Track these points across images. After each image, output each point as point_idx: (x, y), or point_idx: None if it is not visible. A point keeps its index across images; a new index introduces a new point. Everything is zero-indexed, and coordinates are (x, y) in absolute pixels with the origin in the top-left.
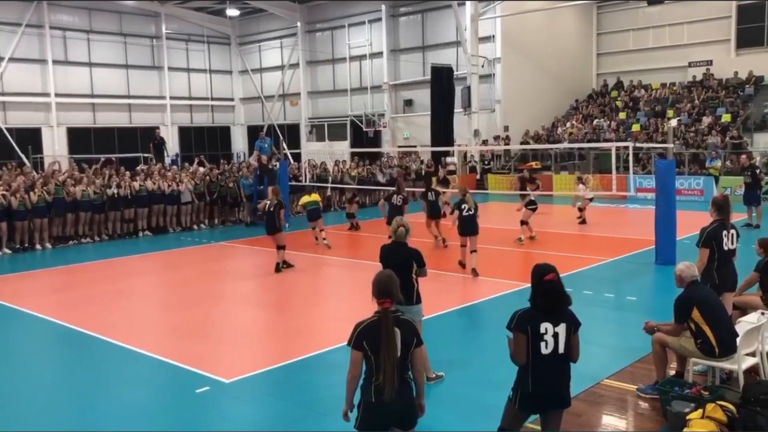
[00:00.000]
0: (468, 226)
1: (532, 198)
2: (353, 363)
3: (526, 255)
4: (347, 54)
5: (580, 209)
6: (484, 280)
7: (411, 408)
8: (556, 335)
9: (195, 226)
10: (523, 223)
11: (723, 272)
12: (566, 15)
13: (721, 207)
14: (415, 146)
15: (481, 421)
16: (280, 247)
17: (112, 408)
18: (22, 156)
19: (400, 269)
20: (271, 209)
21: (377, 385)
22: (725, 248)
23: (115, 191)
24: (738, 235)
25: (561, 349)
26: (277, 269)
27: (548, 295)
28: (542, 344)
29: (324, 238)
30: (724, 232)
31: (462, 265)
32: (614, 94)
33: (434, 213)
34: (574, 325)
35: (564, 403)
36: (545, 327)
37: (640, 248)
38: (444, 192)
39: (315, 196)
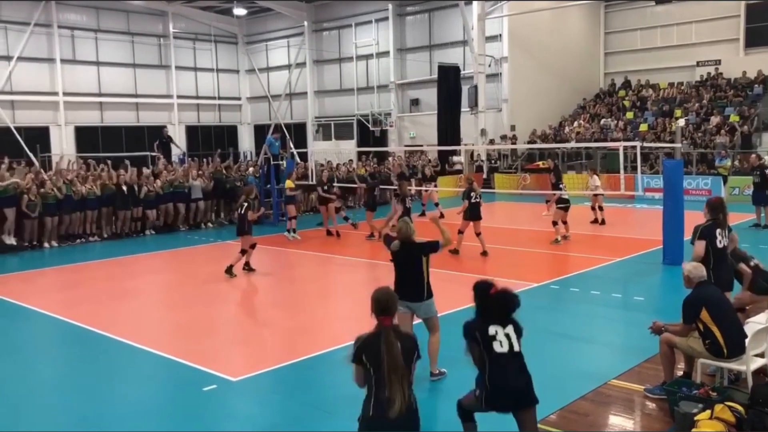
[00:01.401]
0: (476, 212)
1: (565, 197)
2: (356, 378)
3: (532, 255)
4: (354, 53)
5: (600, 208)
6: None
7: (414, 426)
8: (507, 335)
9: (202, 225)
10: (555, 223)
11: (718, 271)
12: (573, 14)
13: (715, 207)
14: (421, 146)
15: (483, 420)
16: (244, 251)
17: (119, 406)
18: (31, 155)
19: (411, 266)
20: (241, 212)
21: (378, 401)
22: (719, 246)
23: (143, 189)
24: (730, 234)
25: (516, 348)
26: (229, 271)
27: (499, 305)
28: (496, 344)
29: (291, 230)
30: (718, 230)
31: (455, 251)
32: (622, 93)
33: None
34: (517, 330)
35: (530, 401)
36: (494, 330)
37: (648, 248)
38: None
39: (289, 183)
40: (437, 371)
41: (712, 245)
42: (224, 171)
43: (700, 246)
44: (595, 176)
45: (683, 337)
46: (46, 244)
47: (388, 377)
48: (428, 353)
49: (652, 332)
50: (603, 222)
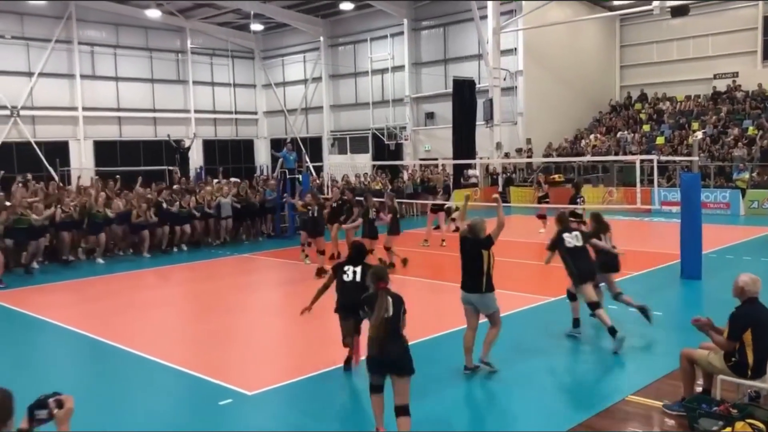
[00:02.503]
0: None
1: (578, 211)
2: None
3: (549, 269)
4: (369, 67)
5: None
6: (501, 294)
7: (403, 359)
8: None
9: (218, 239)
10: None
11: (578, 265)
12: (589, 28)
13: (560, 219)
14: (436, 159)
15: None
16: (321, 252)
17: (134, 419)
18: (50, 169)
19: (473, 260)
20: (314, 214)
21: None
22: (570, 246)
23: (174, 208)
24: (582, 236)
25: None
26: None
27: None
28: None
29: (306, 255)
30: (566, 235)
31: (404, 261)
32: (638, 106)
33: (372, 234)
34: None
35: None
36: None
37: (665, 262)
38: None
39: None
40: (485, 361)
41: (565, 247)
42: (248, 191)
43: (549, 256)
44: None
45: (726, 351)
46: (70, 258)
47: (375, 323)
48: (483, 342)
49: (695, 325)
50: None
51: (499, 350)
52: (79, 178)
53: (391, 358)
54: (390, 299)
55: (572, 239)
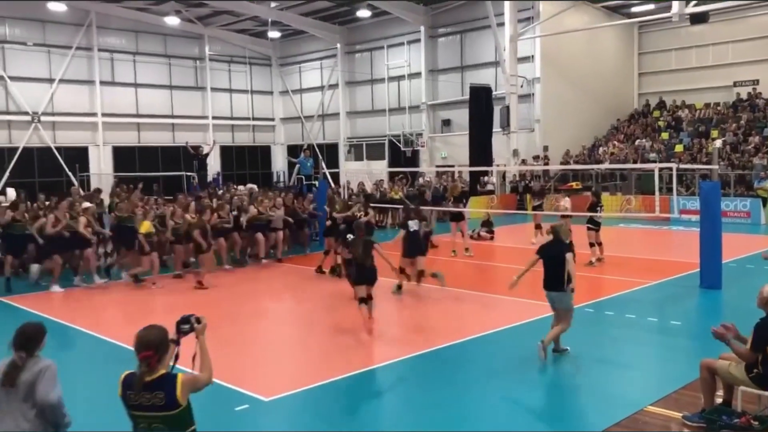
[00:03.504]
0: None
1: (599, 219)
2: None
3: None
4: (386, 74)
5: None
6: (518, 302)
7: (372, 275)
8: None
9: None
10: (591, 245)
11: (410, 244)
12: (607, 35)
13: (405, 210)
14: (452, 166)
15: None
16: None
17: None
18: (70, 174)
19: (555, 261)
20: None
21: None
22: (410, 230)
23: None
24: (420, 221)
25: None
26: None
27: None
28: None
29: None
30: (410, 222)
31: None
32: (656, 114)
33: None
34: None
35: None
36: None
37: (685, 271)
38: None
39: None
40: (543, 343)
41: (408, 230)
42: (294, 202)
43: (402, 233)
44: (567, 198)
45: (748, 362)
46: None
47: (356, 254)
48: (550, 331)
49: (715, 336)
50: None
51: (514, 360)
52: (117, 186)
53: (365, 275)
54: (363, 242)
55: (414, 224)
